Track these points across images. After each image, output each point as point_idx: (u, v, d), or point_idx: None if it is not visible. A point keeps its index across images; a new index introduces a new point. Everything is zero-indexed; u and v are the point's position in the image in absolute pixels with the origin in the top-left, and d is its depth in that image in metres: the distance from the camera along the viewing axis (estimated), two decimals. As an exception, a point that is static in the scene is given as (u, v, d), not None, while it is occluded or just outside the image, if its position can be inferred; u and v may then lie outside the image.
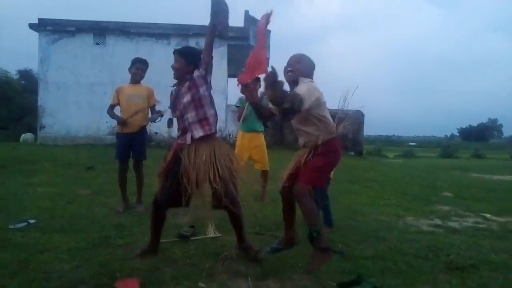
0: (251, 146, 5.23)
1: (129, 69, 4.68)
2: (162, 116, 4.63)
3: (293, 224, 3.13)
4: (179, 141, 2.94)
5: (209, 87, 2.98)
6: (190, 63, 2.96)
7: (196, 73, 2.92)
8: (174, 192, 2.84)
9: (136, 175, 4.72)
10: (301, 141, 3.02)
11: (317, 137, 2.88)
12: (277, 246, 3.12)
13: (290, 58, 3.04)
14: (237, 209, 2.92)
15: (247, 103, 5.05)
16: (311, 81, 2.93)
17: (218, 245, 3.34)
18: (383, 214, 4.94)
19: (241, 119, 5.07)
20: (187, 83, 2.91)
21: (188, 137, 2.88)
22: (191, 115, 2.88)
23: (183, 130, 2.94)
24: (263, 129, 5.39)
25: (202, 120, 2.88)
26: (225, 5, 2.93)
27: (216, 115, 2.99)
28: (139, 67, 4.64)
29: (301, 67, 2.95)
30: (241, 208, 3.00)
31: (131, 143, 4.58)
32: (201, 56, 2.99)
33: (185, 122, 2.91)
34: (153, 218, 3.02)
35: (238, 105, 5.33)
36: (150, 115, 4.71)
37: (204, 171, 2.75)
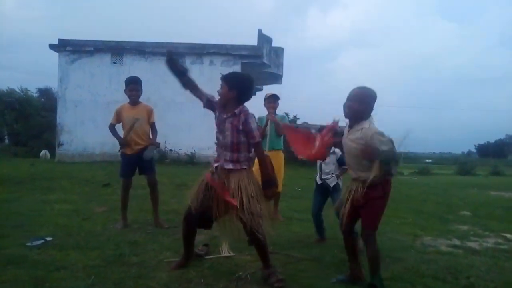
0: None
1: (125, 91, 4.66)
2: (158, 147, 4.66)
3: (357, 259, 3.06)
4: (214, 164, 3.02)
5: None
6: (232, 88, 2.89)
7: (244, 114, 2.89)
8: (204, 212, 2.92)
9: (150, 193, 4.76)
10: (358, 173, 2.83)
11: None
12: (343, 278, 3.02)
13: (352, 93, 2.83)
14: (262, 240, 2.90)
15: (269, 122, 5.10)
16: (372, 123, 2.78)
17: (232, 264, 3.32)
18: (399, 233, 4.84)
19: (266, 138, 5.09)
20: (231, 119, 2.91)
21: (217, 165, 2.97)
22: (225, 153, 2.93)
23: (217, 158, 3.02)
24: (282, 147, 5.40)
25: (235, 161, 2.93)
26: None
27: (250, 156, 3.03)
28: (132, 88, 4.61)
29: (364, 108, 2.78)
30: (262, 240, 2.92)
31: (138, 162, 4.59)
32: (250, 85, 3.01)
33: (220, 153, 2.97)
34: (184, 233, 3.11)
35: (258, 124, 5.33)
36: (150, 134, 4.70)
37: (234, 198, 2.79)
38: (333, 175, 4.13)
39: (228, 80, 2.92)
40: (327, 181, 4.14)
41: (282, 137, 5.28)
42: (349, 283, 2.97)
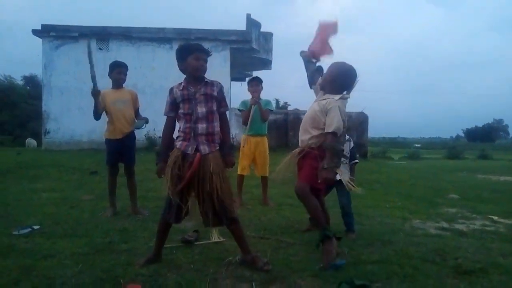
0: (256, 150, 5.20)
1: (109, 75, 4.58)
2: (147, 122, 4.60)
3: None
4: (180, 147, 2.86)
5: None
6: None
7: (216, 89, 2.90)
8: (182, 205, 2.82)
9: (128, 181, 4.71)
10: (304, 139, 3.03)
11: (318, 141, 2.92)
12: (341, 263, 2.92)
13: (329, 66, 3.06)
14: (235, 224, 2.90)
15: (253, 106, 5.03)
16: (339, 99, 2.89)
17: (222, 249, 3.31)
18: (389, 217, 4.89)
19: (248, 123, 5.04)
20: (202, 89, 2.86)
21: (192, 148, 2.84)
22: (202, 126, 2.84)
23: (187, 136, 2.87)
24: (266, 133, 5.36)
25: (209, 136, 2.86)
26: None
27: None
28: (120, 71, 4.54)
29: (336, 81, 2.96)
30: (240, 222, 2.95)
31: (121, 149, 4.52)
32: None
33: (193, 130, 2.85)
34: (161, 230, 2.99)
35: (241, 108, 5.28)
36: (135, 119, 4.64)
37: (209, 186, 2.75)
38: (346, 163, 3.82)
39: (208, 53, 2.97)
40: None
41: (266, 123, 5.25)
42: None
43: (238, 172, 5.17)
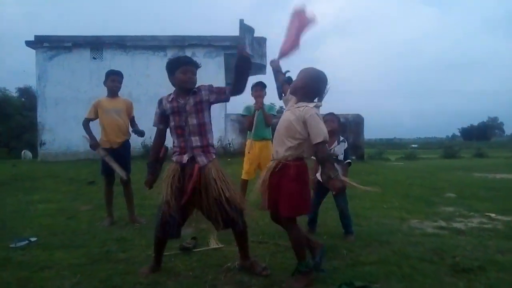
0: (262, 155, 5.19)
1: (104, 83, 4.59)
2: (143, 136, 4.59)
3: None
4: (177, 160, 2.85)
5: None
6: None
7: (205, 92, 2.86)
8: (179, 218, 2.78)
9: (124, 190, 4.68)
10: (280, 151, 2.76)
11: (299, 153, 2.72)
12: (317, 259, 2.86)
13: (299, 72, 2.89)
14: (243, 227, 2.88)
15: (256, 111, 5.04)
16: (314, 107, 2.74)
17: (220, 256, 3.31)
18: (386, 218, 4.89)
19: (253, 127, 5.04)
20: (191, 100, 2.83)
21: (187, 158, 2.81)
22: (195, 139, 2.82)
23: (182, 150, 2.85)
24: (271, 137, 5.37)
25: (205, 148, 2.84)
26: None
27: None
28: (114, 79, 4.55)
29: (305, 86, 2.80)
30: (247, 227, 2.93)
31: (116, 158, 4.49)
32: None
33: (187, 143, 2.83)
34: (157, 243, 2.95)
35: (245, 114, 5.27)
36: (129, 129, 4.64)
37: (214, 192, 2.72)
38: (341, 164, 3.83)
39: (196, 65, 2.93)
40: None
41: (270, 127, 5.25)
42: (321, 255, 2.85)
43: (242, 177, 5.17)
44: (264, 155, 5.19)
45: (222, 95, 2.90)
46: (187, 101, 2.83)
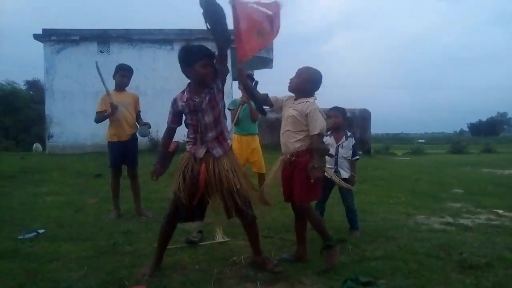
0: (249, 149, 5.19)
1: (114, 76, 4.63)
2: (150, 128, 4.61)
3: (304, 241, 3.10)
4: (190, 150, 2.80)
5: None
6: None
7: (215, 87, 2.72)
8: (191, 206, 2.75)
9: (131, 183, 4.72)
10: (290, 144, 2.95)
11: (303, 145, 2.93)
12: (287, 258, 3.08)
13: (297, 70, 3.07)
14: (252, 220, 2.83)
15: (241, 106, 5.04)
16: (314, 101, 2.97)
17: (226, 250, 3.32)
18: (393, 213, 4.87)
19: (235, 121, 5.04)
20: (207, 97, 2.69)
21: (203, 152, 2.76)
22: (211, 134, 2.75)
23: (197, 141, 2.79)
24: (257, 131, 5.36)
25: (220, 136, 2.79)
26: (218, 10, 2.68)
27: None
28: (123, 74, 4.60)
29: (303, 84, 3.00)
30: (256, 218, 2.87)
31: (124, 151, 4.56)
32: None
33: (203, 137, 2.76)
34: (163, 233, 2.88)
35: (231, 108, 5.23)
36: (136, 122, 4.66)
37: (228, 183, 2.70)
38: (348, 159, 3.89)
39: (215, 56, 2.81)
40: (340, 172, 3.86)
41: (256, 122, 5.27)
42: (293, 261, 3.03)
43: None
44: (252, 148, 5.20)
45: (222, 75, 2.80)
46: (203, 99, 2.69)
